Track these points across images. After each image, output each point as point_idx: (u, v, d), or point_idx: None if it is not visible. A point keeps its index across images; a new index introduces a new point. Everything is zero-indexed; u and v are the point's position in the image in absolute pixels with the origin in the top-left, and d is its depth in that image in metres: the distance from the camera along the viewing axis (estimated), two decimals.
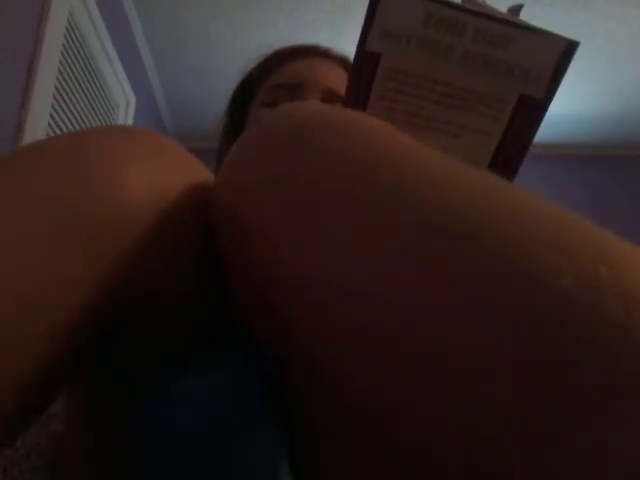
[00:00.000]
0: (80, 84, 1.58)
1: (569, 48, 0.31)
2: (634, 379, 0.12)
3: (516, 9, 0.33)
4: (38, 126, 1.31)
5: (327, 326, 0.17)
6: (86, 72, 1.63)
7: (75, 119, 1.55)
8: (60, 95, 1.44)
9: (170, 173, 0.25)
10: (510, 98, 0.32)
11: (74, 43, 1.53)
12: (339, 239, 0.17)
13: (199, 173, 0.27)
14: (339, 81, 0.61)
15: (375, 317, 0.15)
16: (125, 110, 1.99)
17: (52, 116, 1.39)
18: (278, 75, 0.62)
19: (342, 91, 0.60)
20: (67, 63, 1.48)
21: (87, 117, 1.64)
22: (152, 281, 0.23)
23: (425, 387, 0.14)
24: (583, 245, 0.14)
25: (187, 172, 0.26)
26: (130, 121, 2.03)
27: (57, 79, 1.42)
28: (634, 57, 2.15)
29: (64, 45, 1.45)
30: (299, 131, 0.22)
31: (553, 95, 0.32)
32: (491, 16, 0.30)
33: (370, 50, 0.31)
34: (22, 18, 1.26)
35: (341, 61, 0.65)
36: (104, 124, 1.78)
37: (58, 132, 1.43)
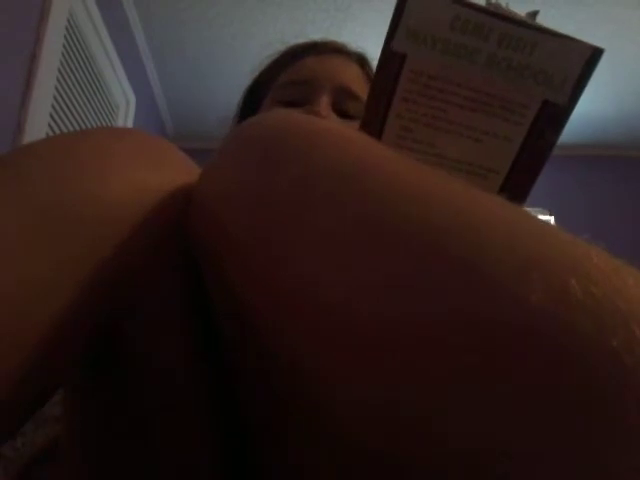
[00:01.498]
0: (80, 84, 1.58)
1: (594, 55, 0.31)
2: (604, 391, 0.12)
3: (532, 15, 0.33)
4: (38, 126, 1.31)
5: (303, 334, 0.17)
6: (86, 72, 1.63)
7: (75, 119, 1.54)
8: (60, 95, 1.44)
9: (154, 173, 0.25)
10: (533, 104, 0.32)
11: (74, 43, 1.53)
12: (310, 247, 0.17)
13: (185, 173, 0.27)
14: (353, 78, 0.59)
15: (350, 326, 0.15)
16: (125, 110, 1.99)
17: (52, 116, 1.39)
18: (290, 72, 0.60)
19: (356, 88, 0.58)
20: (67, 63, 1.48)
21: (87, 117, 1.64)
22: (136, 280, 0.23)
23: (410, 394, 0.14)
24: (554, 258, 0.14)
25: (171, 172, 0.26)
26: (130, 121, 2.03)
27: (57, 79, 1.41)
28: (633, 58, 2.15)
29: (64, 46, 1.45)
30: (275, 141, 0.22)
31: (576, 102, 0.32)
32: (517, 21, 0.30)
33: (396, 50, 0.31)
34: (22, 18, 1.26)
35: (357, 57, 0.63)
36: (104, 124, 1.78)
37: (58, 132, 1.43)
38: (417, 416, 0.13)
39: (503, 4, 0.32)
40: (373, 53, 0.65)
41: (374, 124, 0.33)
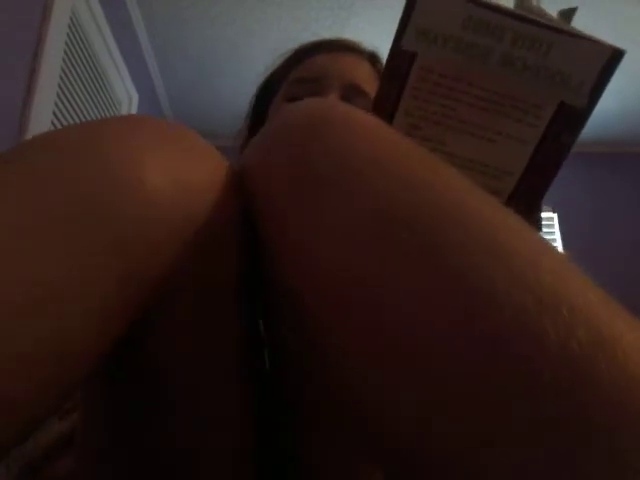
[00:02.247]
0: (83, 81, 1.58)
1: (614, 56, 0.30)
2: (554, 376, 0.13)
3: (567, 12, 0.32)
4: (41, 123, 1.31)
5: (338, 312, 0.18)
6: (89, 69, 1.62)
7: (78, 116, 1.54)
8: (63, 92, 1.44)
9: (183, 160, 0.24)
10: (548, 105, 0.31)
11: (77, 41, 1.52)
12: (342, 227, 0.19)
13: (210, 159, 0.26)
14: (363, 76, 0.59)
15: (382, 302, 0.17)
16: (128, 107, 1.99)
17: (55, 114, 1.39)
18: (301, 69, 0.61)
19: (366, 86, 0.58)
20: (70, 61, 1.48)
21: (90, 114, 1.64)
22: (180, 281, 0.23)
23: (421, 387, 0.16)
24: (515, 247, 0.16)
25: (199, 159, 0.25)
26: None
27: (60, 77, 1.41)
28: (635, 55, 2.14)
29: (67, 43, 1.45)
30: (311, 127, 0.24)
31: (595, 104, 0.31)
32: (533, 20, 0.29)
33: (405, 48, 0.31)
34: (25, 15, 1.26)
35: (369, 56, 0.64)
36: None
37: None
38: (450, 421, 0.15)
39: (534, 2, 0.31)
40: (375, 39, 0.65)
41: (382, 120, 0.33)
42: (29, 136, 1.23)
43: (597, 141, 2.74)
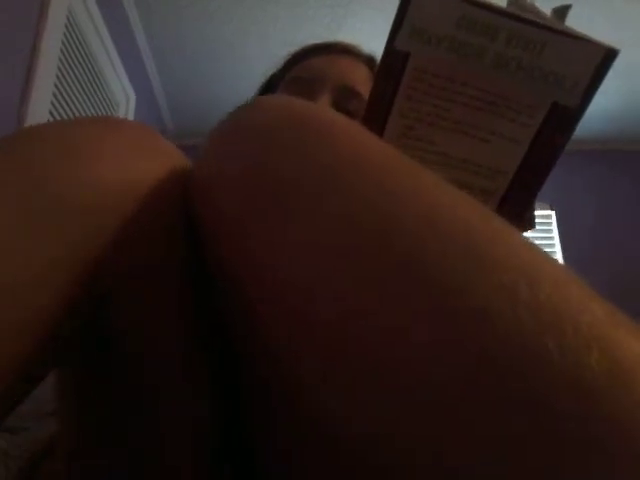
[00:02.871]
0: (80, 82, 1.58)
1: (608, 56, 0.30)
2: (534, 391, 0.12)
3: (561, 10, 0.32)
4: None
5: (288, 322, 0.16)
6: (86, 70, 1.62)
7: (75, 116, 1.54)
8: (60, 93, 1.44)
9: (148, 161, 0.25)
10: (542, 105, 0.31)
11: (74, 41, 1.52)
12: (298, 239, 0.17)
13: (178, 162, 0.27)
14: (359, 78, 0.60)
15: (338, 320, 0.15)
16: (125, 107, 1.99)
17: (52, 114, 1.39)
18: (298, 69, 0.62)
19: (360, 88, 0.59)
20: (67, 61, 1.48)
21: (87, 114, 1.63)
22: (134, 267, 0.24)
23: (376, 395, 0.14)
24: (506, 259, 0.14)
25: (165, 160, 0.26)
26: (130, 118, 2.02)
27: (57, 77, 1.41)
28: (635, 53, 2.14)
29: (63, 43, 1.45)
30: (267, 129, 0.23)
31: (588, 104, 0.31)
32: (527, 20, 0.29)
33: (399, 48, 0.31)
34: (22, 15, 1.26)
35: (367, 59, 0.65)
36: None
37: None
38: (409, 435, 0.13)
39: (528, 0, 0.31)
40: (374, 49, 0.65)
41: (376, 122, 0.33)
42: None
43: (596, 138, 2.74)
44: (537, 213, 2.54)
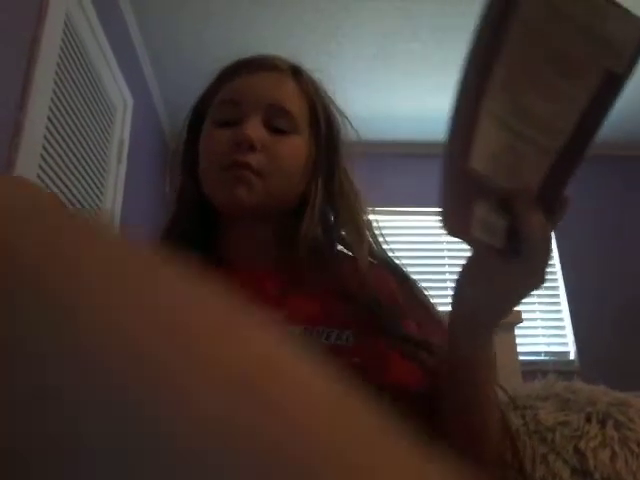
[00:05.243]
0: (78, 86, 1.58)
1: None
2: None
3: None
4: (36, 129, 1.31)
5: None
6: (83, 74, 1.62)
7: (73, 121, 1.54)
8: (58, 97, 1.44)
9: None
10: (599, 70, 0.35)
11: (71, 45, 1.52)
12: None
13: None
14: (285, 95, 0.61)
15: None
16: (123, 112, 1.99)
17: (50, 119, 1.39)
18: (223, 92, 0.63)
19: (286, 103, 0.60)
20: (64, 65, 1.48)
21: (85, 119, 1.64)
22: None
23: None
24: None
25: None
26: (128, 123, 2.02)
27: (54, 82, 1.41)
28: None
29: (61, 48, 1.45)
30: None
31: (632, 73, 0.35)
32: None
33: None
34: (19, 21, 1.26)
35: (292, 72, 0.64)
36: (102, 127, 1.78)
37: (56, 134, 1.43)
38: None
39: None
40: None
41: (480, 71, 0.35)
42: (24, 141, 1.23)
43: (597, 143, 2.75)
44: None
